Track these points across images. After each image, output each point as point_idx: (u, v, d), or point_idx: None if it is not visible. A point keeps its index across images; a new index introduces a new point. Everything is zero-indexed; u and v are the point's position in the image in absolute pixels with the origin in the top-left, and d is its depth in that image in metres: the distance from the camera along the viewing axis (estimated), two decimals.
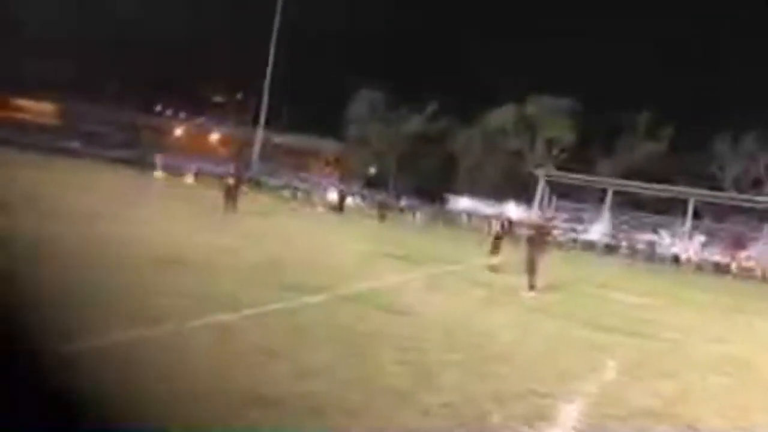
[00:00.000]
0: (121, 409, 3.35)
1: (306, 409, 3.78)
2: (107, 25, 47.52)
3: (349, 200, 41.39)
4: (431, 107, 51.28)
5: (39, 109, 54.71)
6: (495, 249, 15.12)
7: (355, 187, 49.27)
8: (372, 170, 52.44)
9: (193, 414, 3.41)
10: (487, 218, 37.29)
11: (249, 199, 24.30)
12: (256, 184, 44.47)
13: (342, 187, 42.63)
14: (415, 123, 52.11)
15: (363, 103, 53.39)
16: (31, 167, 23.67)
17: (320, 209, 33.66)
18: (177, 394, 3.64)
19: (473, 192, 48.15)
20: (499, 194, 45.71)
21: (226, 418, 3.44)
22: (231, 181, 21.01)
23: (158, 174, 35.95)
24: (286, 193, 37.18)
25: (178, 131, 63.10)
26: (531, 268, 11.55)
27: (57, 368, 3.20)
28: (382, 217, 33.35)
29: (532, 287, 11.36)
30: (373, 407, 3.99)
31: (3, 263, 6.04)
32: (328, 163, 58.40)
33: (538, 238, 12.24)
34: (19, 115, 51.39)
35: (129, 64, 51.54)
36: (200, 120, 63.05)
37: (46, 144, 39.38)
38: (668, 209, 40.95)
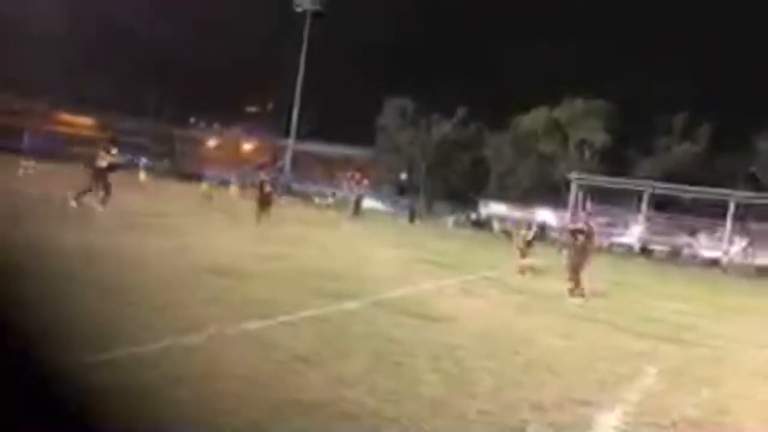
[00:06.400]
0: (158, 415, 3.42)
1: (340, 415, 3.80)
2: (142, 42, 48.95)
3: (379, 205, 41.44)
4: (461, 113, 51.16)
5: (80, 123, 56.56)
6: (523, 253, 15.13)
7: (386, 193, 49.39)
8: (403, 176, 52.49)
9: (227, 420, 3.46)
10: (517, 223, 36.99)
11: (281, 207, 24.58)
12: (289, 192, 45.09)
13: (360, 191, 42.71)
14: (445, 129, 52.02)
15: (393, 109, 53.60)
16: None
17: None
18: (211, 401, 3.70)
19: (505, 197, 47.73)
20: (531, 199, 45.17)
21: (261, 424, 3.48)
22: (266, 188, 21.27)
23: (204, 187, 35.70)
24: (318, 200, 37.55)
25: (212, 142, 64.46)
26: (574, 275, 11.32)
27: (90, 375, 3.29)
28: (412, 221, 33.44)
29: (579, 294, 11.08)
30: (408, 414, 3.97)
31: (36, 273, 6.26)
32: (359, 170, 58.73)
33: (580, 243, 11.92)
34: (62, 129, 53.21)
35: (164, 78, 53.04)
36: (233, 130, 64.19)
37: (88, 156, 40.62)
38: (708, 211, 39.81)
